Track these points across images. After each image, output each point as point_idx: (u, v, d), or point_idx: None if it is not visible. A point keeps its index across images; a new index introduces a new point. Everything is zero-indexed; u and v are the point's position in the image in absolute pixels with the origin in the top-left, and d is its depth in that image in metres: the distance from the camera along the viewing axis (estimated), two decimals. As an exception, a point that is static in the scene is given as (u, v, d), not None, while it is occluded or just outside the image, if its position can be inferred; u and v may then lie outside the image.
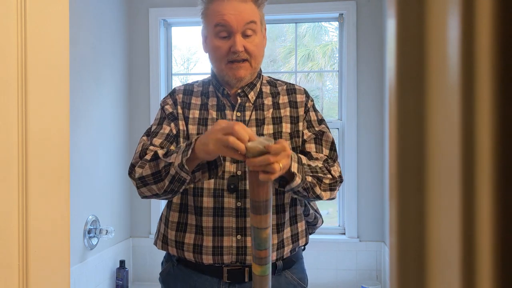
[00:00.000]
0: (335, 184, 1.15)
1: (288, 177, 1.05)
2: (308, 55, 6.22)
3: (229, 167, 1.14)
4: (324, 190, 1.13)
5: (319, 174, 1.12)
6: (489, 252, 0.23)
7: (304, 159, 1.10)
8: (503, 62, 0.22)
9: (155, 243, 1.26)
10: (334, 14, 2.85)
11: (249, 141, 0.95)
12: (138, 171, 1.12)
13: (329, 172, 1.15)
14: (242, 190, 1.13)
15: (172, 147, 1.18)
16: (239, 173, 1.14)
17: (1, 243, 0.68)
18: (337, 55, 2.96)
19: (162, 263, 1.29)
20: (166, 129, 1.20)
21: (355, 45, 2.77)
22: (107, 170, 2.64)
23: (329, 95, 3.54)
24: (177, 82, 3.13)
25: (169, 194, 1.13)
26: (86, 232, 2.38)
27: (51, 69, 0.79)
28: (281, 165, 0.95)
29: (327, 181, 1.14)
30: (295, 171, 1.04)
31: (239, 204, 1.13)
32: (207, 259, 1.14)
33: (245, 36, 1.14)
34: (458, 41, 0.25)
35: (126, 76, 2.91)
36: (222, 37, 1.14)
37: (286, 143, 0.98)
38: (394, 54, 0.30)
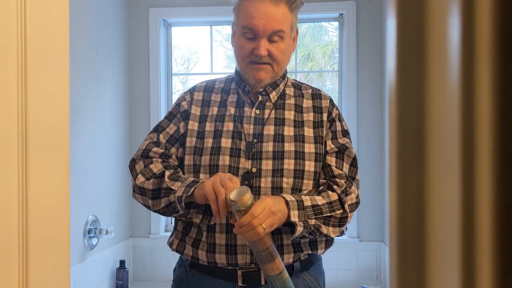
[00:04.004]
0: (345, 218, 1.15)
1: (289, 226, 1.07)
2: (308, 55, 6.23)
3: (244, 163, 1.14)
4: (333, 226, 1.13)
5: (326, 214, 1.11)
6: (489, 252, 0.23)
7: (308, 201, 1.09)
8: (503, 62, 0.22)
9: (171, 243, 1.23)
10: (334, 14, 2.85)
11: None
12: (140, 179, 1.16)
13: (342, 206, 1.13)
14: (256, 186, 1.12)
15: (174, 149, 1.21)
16: (254, 170, 1.13)
17: (1, 243, 0.68)
18: (337, 55, 2.96)
19: (174, 270, 1.27)
20: (172, 128, 1.23)
21: (355, 45, 2.77)
22: (107, 170, 2.64)
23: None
24: (177, 82, 3.14)
25: (160, 214, 1.18)
26: (86, 232, 2.38)
27: (51, 69, 0.79)
28: (264, 226, 0.99)
29: (337, 216, 1.13)
30: (296, 219, 1.05)
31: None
32: (220, 258, 1.11)
33: (271, 41, 1.14)
34: (459, 41, 0.25)
35: (126, 76, 2.91)
36: (248, 37, 1.14)
37: (269, 201, 1.01)
38: (394, 54, 0.30)
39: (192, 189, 1.06)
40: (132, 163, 1.21)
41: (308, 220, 1.07)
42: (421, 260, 0.29)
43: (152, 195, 1.14)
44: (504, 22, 0.23)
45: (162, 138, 1.21)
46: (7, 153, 0.69)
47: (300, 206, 1.07)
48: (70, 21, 1.86)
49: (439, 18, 0.28)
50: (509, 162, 0.23)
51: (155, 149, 1.20)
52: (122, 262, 2.70)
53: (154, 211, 1.17)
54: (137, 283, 2.90)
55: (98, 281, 2.51)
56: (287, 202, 1.05)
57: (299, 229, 1.05)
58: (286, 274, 1.03)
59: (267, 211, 1.00)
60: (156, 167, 1.16)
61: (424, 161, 0.29)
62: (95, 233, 2.45)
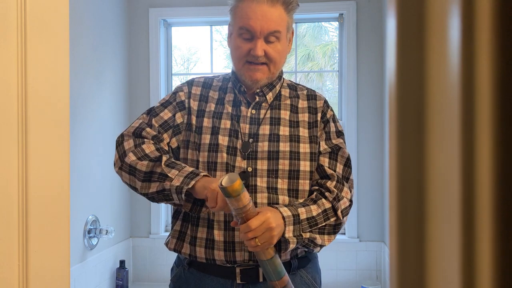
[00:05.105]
0: (339, 225, 1.16)
1: (283, 241, 1.07)
2: (308, 55, 6.23)
3: (240, 162, 1.15)
4: (329, 234, 1.14)
5: (321, 224, 1.12)
6: (489, 252, 0.23)
7: (304, 213, 1.10)
8: (503, 62, 0.22)
9: (167, 243, 1.23)
10: (334, 14, 2.85)
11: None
12: (132, 157, 1.14)
13: (336, 213, 1.14)
14: (252, 185, 1.13)
15: (166, 135, 1.20)
16: (249, 169, 1.14)
17: (2, 243, 0.68)
18: (337, 55, 2.96)
19: (172, 269, 1.27)
20: (167, 114, 1.22)
21: (355, 45, 2.77)
22: (107, 170, 2.64)
23: (329, 95, 3.54)
24: (177, 82, 3.13)
25: (147, 198, 1.16)
26: (86, 232, 2.38)
27: (51, 69, 0.79)
28: (258, 241, 1.01)
29: (332, 223, 1.14)
30: (290, 235, 1.07)
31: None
32: (219, 255, 1.12)
33: (267, 42, 1.14)
34: (458, 41, 0.25)
35: (126, 76, 2.91)
36: (244, 38, 1.15)
37: (269, 216, 1.02)
38: (394, 54, 0.30)
39: (193, 181, 1.05)
40: (120, 139, 1.19)
41: (303, 234, 1.09)
42: (421, 260, 0.29)
43: (143, 177, 1.12)
44: (504, 22, 0.23)
45: (155, 122, 1.20)
46: (7, 154, 0.69)
47: (296, 220, 1.08)
48: (70, 21, 1.86)
49: (439, 18, 0.28)
50: (509, 162, 0.23)
51: (148, 129, 1.18)
52: (122, 262, 2.70)
53: (142, 194, 1.15)
54: (137, 283, 2.90)
55: (98, 281, 2.51)
56: (283, 218, 1.06)
57: (291, 246, 1.07)
58: (278, 259, 1.05)
59: (265, 226, 1.01)
60: (149, 147, 1.14)
61: (424, 161, 0.29)
62: (95, 233, 2.45)
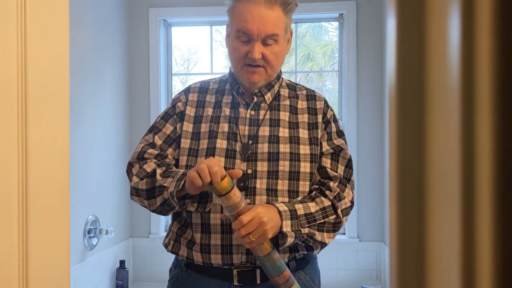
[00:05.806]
0: (339, 223, 1.15)
1: (280, 236, 1.07)
2: (308, 55, 6.23)
3: (239, 165, 1.14)
4: (328, 231, 1.13)
5: (319, 221, 1.11)
6: (489, 253, 0.23)
7: (301, 209, 1.09)
8: (503, 62, 0.22)
9: (166, 245, 1.22)
10: (334, 14, 2.85)
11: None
12: (135, 180, 1.16)
13: (335, 211, 1.13)
14: (252, 188, 1.12)
15: (170, 150, 1.21)
16: (249, 171, 1.13)
17: (2, 243, 0.68)
18: (337, 55, 2.96)
19: (170, 270, 1.28)
20: (168, 129, 1.23)
21: (355, 45, 2.77)
22: (107, 170, 2.64)
23: (329, 95, 3.54)
24: (177, 82, 3.14)
25: (159, 214, 1.17)
26: (86, 232, 2.38)
27: (51, 69, 0.79)
28: (253, 238, 1.00)
29: (331, 221, 1.13)
30: (288, 229, 1.05)
31: (248, 201, 1.12)
32: (216, 258, 1.12)
33: (265, 44, 1.13)
34: (458, 41, 0.25)
35: (126, 76, 2.91)
36: (242, 40, 1.14)
37: (260, 211, 1.01)
38: (394, 54, 0.30)
39: (182, 182, 1.05)
40: (129, 167, 1.21)
41: (301, 229, 1.08)
42: (421, 260, 0.29)
43: (146, 195, 1.13)
44: (504, 22, 0.23)
45: (158, 139, 1.21)
46: (7, 152, 0.69)
47: (293, 215, 1.07)
48: (70, 21, 1.86)
49: (439, 18, 0.28)
50: (509, 163, 0.22)
51: (150, 150, 1.20)
52: (122, 262, 2.70)
53: (152, 211, 1.17)
54: (137, 283, 2.90)
55: (98, 281, 2.51)
56: (280, 212, 1.05)
57: (290, 240, 1.06)
58: (276, 254, 1.05)
59: (257, 221, 1.00)
60: (150, 166, 1.15)
61: (424, 161, 0.29)
62: (95, 233, 2.45)
